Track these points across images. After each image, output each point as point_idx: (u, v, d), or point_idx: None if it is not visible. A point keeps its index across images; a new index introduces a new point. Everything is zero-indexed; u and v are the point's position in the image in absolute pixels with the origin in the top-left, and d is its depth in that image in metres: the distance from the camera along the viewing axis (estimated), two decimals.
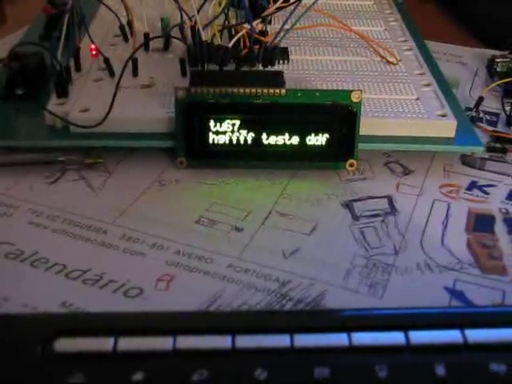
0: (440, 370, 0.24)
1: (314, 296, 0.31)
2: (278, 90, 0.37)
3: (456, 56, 0.54)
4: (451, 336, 0.26)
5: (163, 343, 0.25)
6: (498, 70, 0.50)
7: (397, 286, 0.31)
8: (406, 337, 0.25)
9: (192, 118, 0.37)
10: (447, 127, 0.39)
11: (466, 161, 0.41)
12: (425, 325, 0.26)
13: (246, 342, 0.25)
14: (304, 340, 0.25)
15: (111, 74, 0.43)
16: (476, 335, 0.26)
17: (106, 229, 0.34)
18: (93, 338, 0.25)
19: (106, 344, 0.25)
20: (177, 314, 0.27)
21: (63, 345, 0.25)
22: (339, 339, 0.25)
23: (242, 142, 0.38)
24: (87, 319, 0.27)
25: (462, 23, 0.60)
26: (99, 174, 0.39)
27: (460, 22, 0.60)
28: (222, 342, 0.25)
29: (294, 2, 0.42)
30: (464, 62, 0.53)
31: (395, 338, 0.25)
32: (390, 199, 0.37)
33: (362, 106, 0.38)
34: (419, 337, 0.25)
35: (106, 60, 0.43)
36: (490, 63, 0.50)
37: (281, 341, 0.25)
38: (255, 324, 0.26)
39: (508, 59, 0.50)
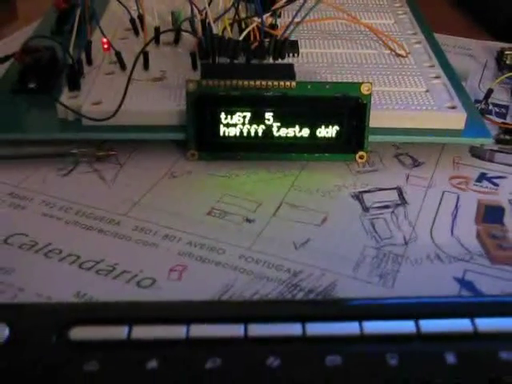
0: (450, 358, 0.24)
1: (325, 286, 0.31)
2: (288, 83, 0.37)
3: (465, 49, 0.54)
4: (461, 325, 0.26)
5: (177, 332, 0.25)
6: (508, 62, 0.50)
7: (407, 276, 0.32)
8: (417, 325, 0.26)
9: (203, 110, 0.38)
10: (457, 119, 0.39)
11: (476, 153, 0.41)
12: (435, 314, 0.26)
13: (258, 330, 0.25)
14: (316, 328, 0.25)
15: (122, 67, 0.43)
16: (486, 324, 0.26)
17: (118, 220, 0.35)
18: (107, 326, 0.25)
19: (120, 332, 0.25)
20: (190, 302, 0.28)
21: (78, 333, 0.25)
22: (351, 328, 0.26)
23: (252, 134, 0.38)
24: (101, 308, 0.27)
25: (472, 16, 0.60)
26: (111, 166, 0.39)
27: (469, 15, 0.60)
28: (235, 330, 0.25)
29: None
30: (473, 54, 0.53)
31: (406, 326, 0.26)
32: (400, 191, 0.37)
33: (372, 99, 0.38)
34: (429, 325, 0.26)
35: (118, 54, 0.43)
36: (500, 56, 0.51)
37: (293, 329, 0.25)
38: (267, 313, 0.27)
39: None
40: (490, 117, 0.44)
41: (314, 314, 0.26)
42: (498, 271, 0.32)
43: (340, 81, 0.42)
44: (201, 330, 0.25)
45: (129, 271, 0.32)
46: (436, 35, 0.52)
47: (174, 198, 0.36)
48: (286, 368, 0.24)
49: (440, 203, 0.37)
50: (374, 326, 0.26)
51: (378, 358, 0.25)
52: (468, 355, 0.25)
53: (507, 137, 0.42)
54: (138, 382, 0.24)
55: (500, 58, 0.50)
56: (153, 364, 0.24)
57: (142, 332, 0.25)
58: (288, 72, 0.39)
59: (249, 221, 0.35)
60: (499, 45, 0.52)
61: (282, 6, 0.44)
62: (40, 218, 0.35)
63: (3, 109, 0.41)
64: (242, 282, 0.31)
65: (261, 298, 0.30)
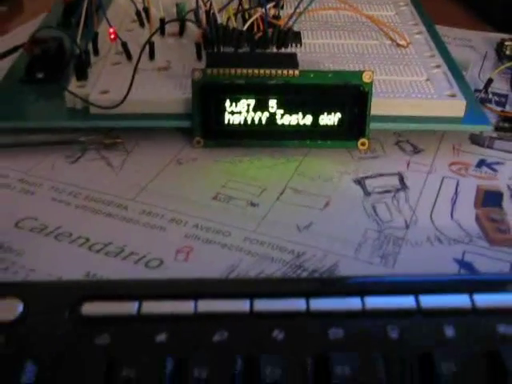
0: (449, 331, 0.25)
1: (328, 266, 0.32)
2: (291, 71, 0.38)
3: (466, 40, 0.55)
4: (460, 300, 0.27)
5: (185, 307, 0.26)
6: (507, 53, 0.51)
7: (407, 257, 0.32)
8: (417, 301, 0.26)
9: (208, 98, 0.38)
10: (456, 107, 0.40)
11: (475, 140, 0.42)
12: (435, 290, 0.27)
13: (263, 305, 0.26)
14: (319, 304, 0.26)
15: (128, 57, 0.44)
16: (484, 300, 0.27)
17: (126, 204, 0.36)
18: (117, 302, 0.26)
19: (130, 308, 0.26)
20: (198, 280, 0.28)
21: (89, 309, 0.26)
22: (353, 303, 0.26)
23: (256, 121, 0.39)
24: (112, 285, 0.28)
25: (472, 8, 0.60)
26: (118, 153, 0.40)
27: (470, 7, 0.61)
28: (241, 305, 0.26)
29: None
30: (473, 45, 0.54)
31: (406, 301, 0.27)
32: (401, 176, 0.38)
33: (373, 87, 0.39)
34: (429, 301, 0.27)
35: (124, 44, 0.44)
36: (499, 46, 0.51)
37: (297, 304, 0.26)
38: (272, 289, 0.27)
39: None
40: (490, 105, 0.45)
41: (317, 290, 0.27)
42: (497, 253, 0.33)
43: (342, 69, 0.42)
44: (208, 305, 0.26)
45: (137, 253, 0.32)
46: (437, 27, 0.52)
47: (181, 184, 0.37)
48: (290, 341, 0.25)
49: (440, 188, 0.37)
50: (375, 302, 0.26)
51: (379, 331, 0.25)
52: (466, 329, 0.25)
53: (506, 124, 0.43)
54: (147, 355, 0.24)
55: (500, 48, 0.51)
56: (162, 337, 0.25)
57: (152, 307, 0.26)
58: (291, 61, 0.40)
59: (253, 205, 0.36)
60: (499, 36, 0.53)
61: None
62: (49, 203, 0.36)
63: (12, 98, 0.42)
64: (247, 262, 0.32)
65: (266, 276, 0.31)
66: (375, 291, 0.27)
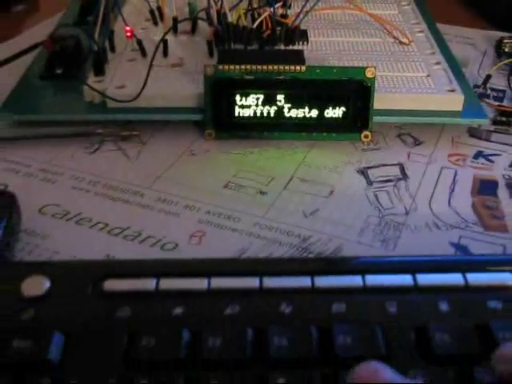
0: (443, 306, 0.27)
1: (332, 249, 0.34)
2: (298, 67, 0.40)
3: (466, 38, 0.57)
4: (454, 278, 0.29)
5: (199, 284, 0.28)
6: (506, 50, 0.53)
7: (407, 241, 0.35)
8: (414, 279, 0.29)
9: (220, 93, 0.41)
10: (455, 101, 0.42)
11: (473, 133, 0.44)
12: (430, 269, 0.29)
13: (272, 282, 0.28)
14: (323, 281, 0.28)
15: (143, 54, 0.46)
16: (476, 278, 0.29)
17: (142, 192, 0.38)
18: (137, 279, 0.29)
19: (148, 284, 0.28)
20: (211, 259, 0.31)
21: (111, 285, 0.28)
22: (354, 281, 0.29)
23: (265, 114, 0.41)
24: (132, 264, 0.31)
25: (473, 7, 0.62)
26: (134, 145, 0.42)
27: (471, 6, 0.63)
28: (251, 282, 0.28)
29: None
30: (474, 43, 0.56)
31: (404, 279, 0.29)
32: (402, 167, 0.40)
33: (376, 82, 0.41)
34: (425, 279, 0.29)
35: (139, 41, 0.46)
36: (499, 44, 0.53)
37: (303, 282, 0.28)
38: (280, 268, 0.30)
39: None
40: (488, 100, 0.47)
41: (321, 269, 0.29)
42: (491, 237, 0.35)
43: (347, 65, 0.44)
44: (220, 282, 0.28)
45: (153, 236, 0.35)
46: (439, 25, 0.54)
47: (194, 173, 0.39)
48: (297, 314, 0.27)
49: (439, 178, 0.39)
50: (375, 279, 0.29)
51: (379, 306, 0.27)
52: (460, 304, 0.28)
53: (503, 118, 0.45)
54: (165, 327, 0.27)
55: (499, 46, 0.53)
56: (178, 311, 0.27)
57: (169, 284, 0.28)
58: (298, 57, 0.42)
59: (262, 193, 0.38)
60: (498, 34, 0.55)
61: None
62: (70, 191, 0.38)
63: (33, 93, 0.45)
64: (257, 246, 0.34)
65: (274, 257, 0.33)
66: (375, 270, 0.29)
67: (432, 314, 0.27)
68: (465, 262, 0.31)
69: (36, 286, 0.28)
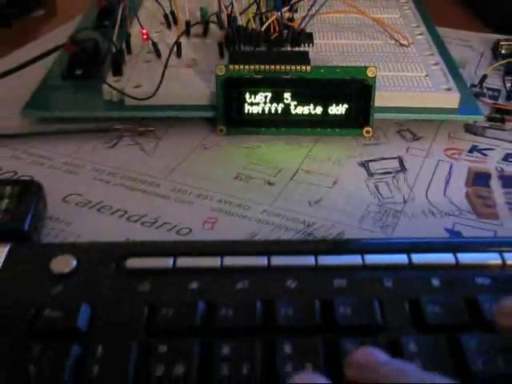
0: (435, 282, 0.30)
1: (335, 234, 0.37)
2: (304, 67, 0.43)
3: (465, 40, 0.59)
4: (445, 258, 0.31)
5: (213, 262, 0.31)
6: (502, 52, 0.55)
7: (404, 227, 0.37)
8: (409, 258, 0.31)
9: (230, 91, 0.43)
10: (451, 99, 0.45)
11: (469, 129, 0.46)
12: (424, 249, 0.32)
13: (279, 260, 0.31)
14: (326, 260, 0.31)
15: (158, 55, 0.49)
16: (466, 257, 0.31)
17: (158, 183, 0.41)
18: (156, 258, 0.31)
19: (166, 262, 0.31)
20: (223, 241, 0.34)
21: (132, 263, 0.31)
22: (354, 259, 0.31)
23: (273, 111, 0.44)
24: (151, 245, 0.33)
25: (472, 11, 0.65)
26: (150, 140, 0.45)
27: (470, 10, 0.65)
28: (260, 260, 0.31)
29: None
30: (472, 45, 0.58)
31: (400, 258, 0.31)
32: (401, 160, 0.43)
33: (377, 81, 0.43)
34: (419, 258, 0.31)
35: (154, 44, 0.49)
36: (495, 46, 0.56)
37: (307, 260, 0.31)
38: (286, 248, 0.32)
39: (511, 42, 0.55)
40: (484, 99, 0.49)
41: (324, 249, 0.32)
42: (483, 224, 0.38)
43: (349, 65, 0.47)
44: (232, 261, 0.31)
45: (169, 223, 0.38)
46: (439, 28, 0.57)
47: (206, 166, 0.42)
48: (301, 288, 0.30)
49: (435, 170, 0.42)
50: (373, 258, 0.31)
51: (376, 281, 0.30)
52: (450, 281, 0.30)
53: (498, 115, 0.47)
54: (181, 299, 0.29)
55: (495, 48, 0.56)
56: (194, 285, 0.30)
57: (185, 262, 0.31)
58: (303, 58, 0.45)
59: (270, 184, 0.41)
60: (495, 37, 0.58)
61: (298, 1, 0.50)
62: (91, 181, 0.41)
63: (55, 92, 0.48)
64: (265, 231, 0.37)
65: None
66: (374, 250, 0.32)
67: (425, 289, 0.30)
68: (456, 244, 0.33)
69: (64, 264, 0.31)
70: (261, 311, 0.29)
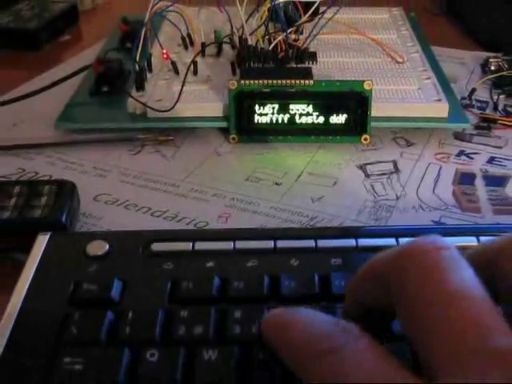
0: None
1: (335, 226, 0.41)
2: (307, 81, 0.48)
3: (458, 58, 0.64)
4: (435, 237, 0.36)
5: (226, 245, 0.36)
6: (492, 68, 0.60)
7: (396, 219, 0.42)
8: (397, 241, 0.36)
9: (241, 103, 0.49)
10: (441, 109, 0.50)
11: (458, 136, 0.51)
12: (410, 235, 0.37)
13: (284, 243, 0.36)
14: (324, 243, 0.36)
15: (177, 73, 0.54)
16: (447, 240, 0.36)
17: (178, 184, 0.46)
18: (177, 242, 0.36)
19: (186, 246, 0.36)
20: (236, 228, 0.38)
21: (157, 247, 0.36)
22: (349, 242, 0.36)
23: (280, 121, 0.49)
24: (173, 232, 0.38)
25: (467, 31, 0.70)
26: (170, 148, 0.50)
27: (465, 31, 0.71)
28: (268, 244, 0.36)
29: (314, 15, 0.53)
30: (464, 62, 0.63)
31: (389, 241, 0.36)
32: (395, 163, 0.48)
33: (374, 94, 0.49)
34: (405, 241, 0.36)
35: (173, 63, 0.55)
36: (485, 63, 0.61)
37: (308, 243, 0.36)
38: (290, 234, 0.37)
39: (500, 59, 0.60)
40: (473, 109, 0.54)
41: (323, 234, 0.37)
42: (466, 217, 0.42)
43: (348, 79, 0.52)
44: (243, 244, 0.36)
45: (187, 217, 0.42)
46: (434, 47, 0.62)
47: (220, 169, 0.47)
48: (303, 266, 0.35)
49: (426, 171, 0.47)
50: (366, 241, 0.36)
51: (368, 259, 0.35)
52: None
53: (484, 124, 0.52)
54: (201, 276, 0.34)
55: (485, 64, 0.61)
56: (210, 264, 0.35)
57: (202, 245, 0.36)
58: (307, 73, 0.50)
59: (277, 184, 0.46)
60: (486, 54, 0.63)
61: (302, 23, 0.55)
62: (118, 183, 0.46)
63: (84, 106, 0.53)
64: (273, 223, 0.42)
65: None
66: (366, 235, 0.37)
67: None
68: (438, 230, 0.38)
69: (98, 247, 0.36)
70: (268, 284, 0.33)
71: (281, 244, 0.36)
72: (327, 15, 0.54)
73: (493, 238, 0.35)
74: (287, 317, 0.27)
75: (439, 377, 0.21)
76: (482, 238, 0.36)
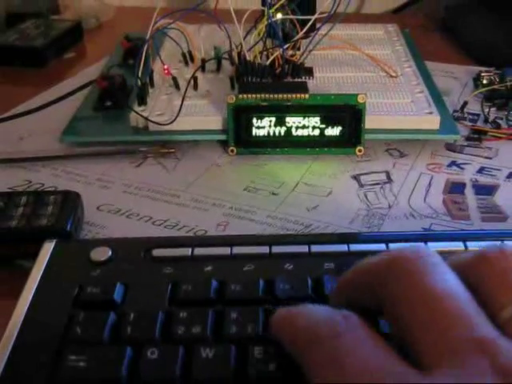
0: None
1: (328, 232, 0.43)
2: (303, 95, 0.50)
3: (451, 72, 0.66)
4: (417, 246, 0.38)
5: (223, 250, 0.38)
6: (484, 82, 0.62)
7: (388, 227, 0.44)
8: (387, 247, 0.38)
9: (240, 117, 0.50)
10: (433, 121, 0.52)
11: (450, 147, 0.53)
12: (399, 240, 0.38)
13: (279, 249, 0.37)
14: (318, 248, 0.38)
15: (177, 88, 0.56)
16: (434, 246, 0.38)
17: (178, 194, 0.48)
18: (177, 248, 0.38)
19: (186, 251, 0.38)
20: (232, 235, 0.40)
21: (158, 252, 0.38)
22: (341, 248, 0.38)
23: (277, 134, 0.51)
24: (173, 238, 0.40)
25: (461, 47, 0.72)
26: (171, 160, 0.52)
27: (459, 47, 0.73)
28: (263, 249, 0.37)
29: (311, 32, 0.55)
30: (457, 76, 0.65)
31: (379, 247, 0.38)
32: (388, 173, 0.50)
33: (368, 107, 0.50)
34: (395, 247, 0.38)
35: (174, 78, 0.56)
36: (477, 77, 0.63)
37: (302, 248, 0.38)
38: (285, 240, 0.39)
39: (491, 73, 0.62)
40: (464, 122, 0.56)
41: (316, 240, 0.38)
42: (455, 224, 0.44)
43: (342, 93, 0.54)
44: (240, 250, 0.37)
45: (187, 226, 0.44)
46: (428, 62, 0.64)
47: (219, 180, 0.49)
48: (297, 270, 0.36)
49: (417, 181, 0.49)
50: (357, 247, 0.38)
51: None
52: None
53: (475, 135, 0.54)
54: (199, 280, 0.36)
55: (477, 78, 0.63)
56: (208, 268, 0.36)
57: (201, 251, 0.37)
58: (303, 87, 0.52)
59: (274, 194, 0.48)
60: (478, 68, 0.65)
61: (298, 39, 0.57)
62: (121, 194, 0.48)
63: (88, 121, 0.55)
64: (269, 231, 0.43)
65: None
66: (357, 241, 0.38)
67: None
68: (426, 236, 0.40)
69: (101, 253, 0.37)
70: (263, 287, 0.35)
71: (276, 249, 0.38)
72: (323, 31, 0.56)
73: (478, 243, 0.38)
74: (293, 310, 0.28)
75: (432, 368, 0.23)
76: (469, 243, 0.38)
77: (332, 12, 0.53)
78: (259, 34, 0.57)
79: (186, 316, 0.33)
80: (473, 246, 0.37)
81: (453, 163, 0.51)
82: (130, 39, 0.67)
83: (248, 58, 0.55)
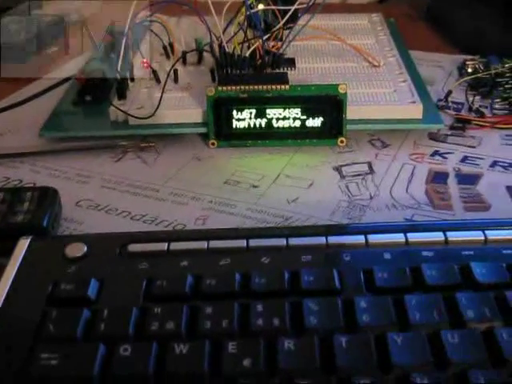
0: (386, 256, 0.36)
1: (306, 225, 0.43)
2: (283, 86, 0.49)
3: (436, 61, 0.66)
4: (396, 237, 0.37)
5: (200, 245, 0.37)
6: (469, 70, 0.62)
7: (369, 218, 0.43)
8: (366, 238, 0.37)
9: (219, 109, 0.50)
10: (415, 111, 0.51)
11: (433, 137, 0.53)
12: (378, 231, 0.38)
13: (256, 243, 0.37)
14: (295, 241, 0.37)
15: (158, 81, 0.56)
16: (414, 236, 0.37)
17: (158, 188, 0.47)
18: (153, 243, 0.37)
19: (162, 246, 0.37)
20: (208, 229, 0.40)
21: (133, 248, 0.37)
22: (319, 240, 0.37)
23: (257, 126, 0.50)
24: (149, 233, 0.40)
25: (446, 36, 0.72)
26: (151, 154, 0.51)
27: (444, 35, 0.72)
28: (240, 243, 0.37)
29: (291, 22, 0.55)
30: (442, 65, 0.65)
31: (357, 239, 0.37)
32: (370, 164, 0.49)
33: (350, 97, 0.50)
34: (374, 238, 0.37)
35: (154, 71, 0.56)
36: (462, 65, 0.63)
37: (279, 242, 0.37)
38: (262, 233, 0.38)
39: (476, 61, 0.62)
40: (448, 111, 0.56)
41: (294, 233, 0.38)
42: (437, 214, 0.44)
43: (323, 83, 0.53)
44: (217, 243, 0.37)
45: (166, 220, 0.44)
46: (413, 52, 0.64)
47: (199, 174, 0.49)
48: (274, 263, 0.36)
49: (400, 172, 0.48)
50: (335, 239, 0.37)
51: (337, 256, 0.36)
52: (399, 254, 0.36)
53: (459, 124, 0.53)
54: (174, 275, 0.35)
55: (462, 67, 0.62)
56: (184, 263, 0.36)
57: (177, 246, 0.37)
58: (283, 78, 0.51)
59: (255, 186, 0.47)
60: (463, 57, 0.64)
61: (277, 29, 0.57)
62: (100, 189, 0.47)
63: (68, 115, 0.54)
64: (249, 224, 0.43)
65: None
66: (336, 232, 0.38)
67: (377, 261, 0.36)
68: (407, 226, 0.39)
69: (76, 249, 0.37)
70: (239, 280, 0.34)
71: (253, 243, 0.37)
72: (304, 22, 0.55)
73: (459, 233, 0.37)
74: None
75: None
76: (449, 233, 0.37)
77: (311, 2, 0.52)
78: (239, 24, 0.56)
79: (160, 312, 0.33)
80: (453, 236, 0.37)
81: (436, 153, 0.50)
82: (113, 33, 0.66)
83: (227, 50, 0.54)
